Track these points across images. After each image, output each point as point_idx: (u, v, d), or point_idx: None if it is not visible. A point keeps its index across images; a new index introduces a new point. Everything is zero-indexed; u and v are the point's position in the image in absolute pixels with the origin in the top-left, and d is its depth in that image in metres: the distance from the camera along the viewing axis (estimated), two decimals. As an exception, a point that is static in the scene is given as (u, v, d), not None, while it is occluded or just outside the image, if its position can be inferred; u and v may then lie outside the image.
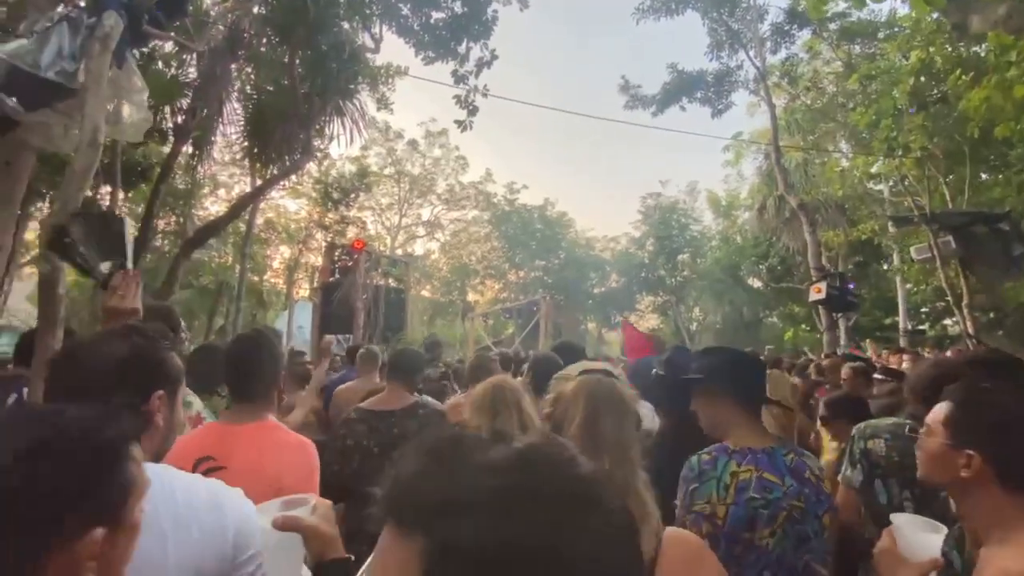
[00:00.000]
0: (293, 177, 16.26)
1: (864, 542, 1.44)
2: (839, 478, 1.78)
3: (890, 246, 10.92)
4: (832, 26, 9.81)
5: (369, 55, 8.30)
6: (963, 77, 5.25)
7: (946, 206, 8.25)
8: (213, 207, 17.83)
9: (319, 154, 14.37)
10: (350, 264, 11.12)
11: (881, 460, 1.65)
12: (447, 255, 27.82)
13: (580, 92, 62.13)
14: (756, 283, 21.54)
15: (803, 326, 16.06)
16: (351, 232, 21.15)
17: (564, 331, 24.77)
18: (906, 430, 1.63)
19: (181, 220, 13.24)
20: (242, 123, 8.56)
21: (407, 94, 39.96)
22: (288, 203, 21.12)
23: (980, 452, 0.95)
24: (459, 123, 5.46)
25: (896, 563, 1.00)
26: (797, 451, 1.45)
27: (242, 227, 13.12)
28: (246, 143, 8.70)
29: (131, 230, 2.18)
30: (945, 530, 1.07)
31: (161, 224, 12.51)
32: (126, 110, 3.39)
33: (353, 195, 20.11)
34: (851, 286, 10.02)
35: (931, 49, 5.99)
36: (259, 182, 9.74)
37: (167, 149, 8.80)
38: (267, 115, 8.01)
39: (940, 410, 1.07)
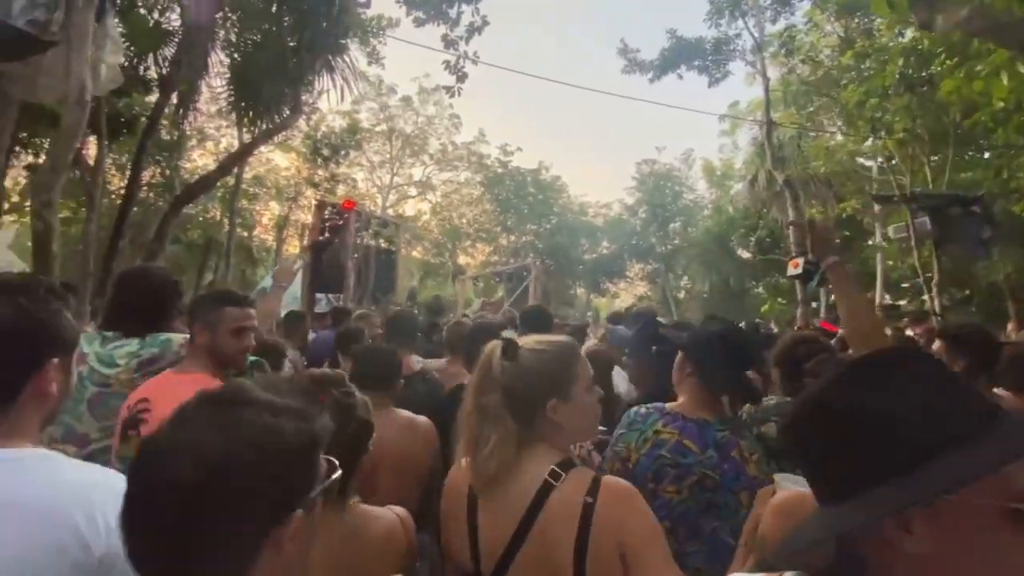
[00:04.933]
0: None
1: None
2: None
3: (872, 223, 11.11)
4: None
5: (360, 9, 8.09)
6: (947, 62, 5.30)
7: (928, 187, 8.39)
8: (201, 160, 17.54)
9: (307, 108, 14.10)
10: (340, 223, 11.10)
11: (773, 443, 1.59)
12: (438, 216, 27.66)
13: (579, 53, 60.18)
14: (745, 254, 21.75)
15: (779, 299, 16.42)
16: (341, 190, 20.94)
17: (553, 297, 25.07)
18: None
19: (168, 173, 13.06)
20: (228, 75, 8.38)
21: (399, 49, 38.55)
22: (277, 158, 20.73)
23: None
24: (447, 89, 5.44)
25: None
26: (738, 432, 1.51)
27: (231, 182, 12.97)
28: (232, 96, 8.55)
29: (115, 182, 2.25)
30: None
31: (147, 176, 12.33)
32: (104, 65, 3.37)
33: (343, 152, 19.79)
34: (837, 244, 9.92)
35: (919, 33, 5.99)
36: (247, 137, 9.61)
37: (151, 99, 8.63)
38: (253, 69, 7.85)
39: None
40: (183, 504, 0.55)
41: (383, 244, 12.66)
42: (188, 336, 1.73)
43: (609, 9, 61.49)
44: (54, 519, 0.73)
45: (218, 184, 12.53)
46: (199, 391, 0.64)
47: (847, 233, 14.46)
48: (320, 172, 20.60)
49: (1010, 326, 6.52)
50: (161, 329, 1.82)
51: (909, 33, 7.19)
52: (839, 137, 11.55)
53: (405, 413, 1.99)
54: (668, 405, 1.61)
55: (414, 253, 26.44)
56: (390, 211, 23.22)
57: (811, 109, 11.86)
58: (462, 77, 5.46)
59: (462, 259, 27.90)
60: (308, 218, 14.91)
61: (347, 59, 8.45)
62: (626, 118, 63.67)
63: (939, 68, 5.36)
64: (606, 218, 28.06)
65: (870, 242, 11.49)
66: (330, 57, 7.93)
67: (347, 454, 0.94)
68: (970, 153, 8.32)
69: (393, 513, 1.22)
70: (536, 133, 59.71)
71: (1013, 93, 3.94)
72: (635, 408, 1.64)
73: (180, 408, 0.62)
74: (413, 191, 26.32)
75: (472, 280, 21.48)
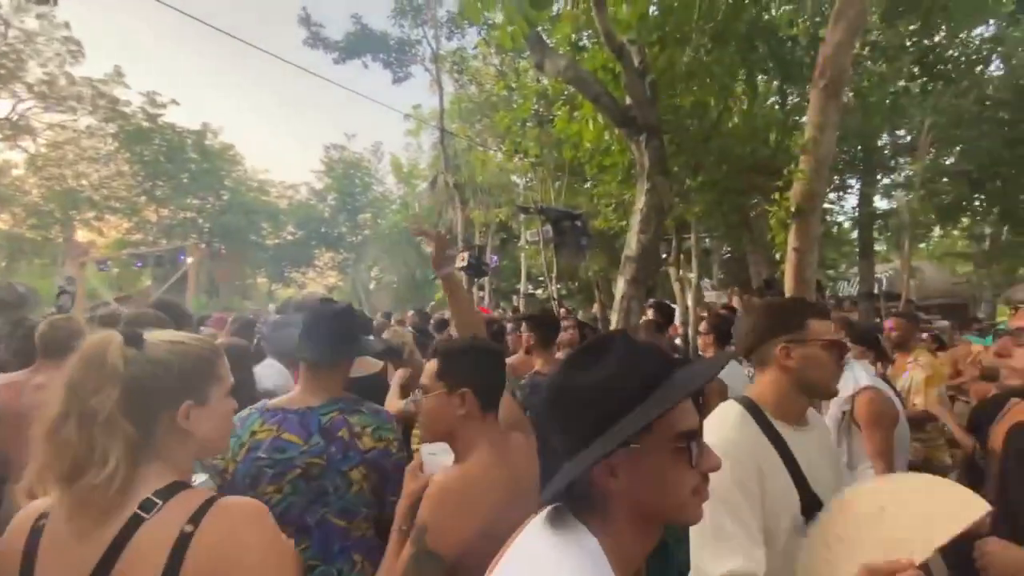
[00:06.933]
0: None
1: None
2: None
3: (519, 228, 13.80)
4: (495, 33, 11.40)
5: None
6: (562, 107, 6.99)
7: (552, 203, 10.95)
8: None
9: None
10: None
11: None
12: (41, 174, 19.85)
13: (247, 8, 53.00)
14: (428, 248, 23.72)
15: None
16: None
17: (224, 286, 21.58)
18: None
19: None
20: None
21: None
22: None
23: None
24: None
25: None
26: (348, 410, 1.48)
27: None
28: None
29: None
30: None
31: None
32: None
33: None
34: (495, 258, 11.76)
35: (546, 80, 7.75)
36: None
37: None
38: None
39: (429, 368, 1.34)
40: None
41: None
42: None
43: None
44: None
45: None
46: None
47: (504, 236, 17.58)
48: None
49: (595, 307, 9.15)
50: None
51: (544, 80, 9.13)
52: (500, 155, 13.86)
53: None
54: (275, 400, 1.50)
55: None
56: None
57: (478, 127, 13.81)
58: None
59: (84, 235, 20.86)
60: None
61: None
62: (310, 96, 59.68)
63: (557, 110, 7.04)
64: (291, 201, 25.91)
65: (518, 243, 14.22)
66: None
67: None
68: (578, 181, 11.19)
69: None
70: (199, 88, 49.74)
71: (596, 136, 5.44)
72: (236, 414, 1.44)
73: None
74: (-11, 131, 18.05)
75: (97, 264, 16.31)
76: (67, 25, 17.74)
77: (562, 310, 9.46)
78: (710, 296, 10.89)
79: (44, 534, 0.83)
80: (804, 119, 4.26)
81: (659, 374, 0.76)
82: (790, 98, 6.58)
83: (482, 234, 16.00)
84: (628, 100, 3.83)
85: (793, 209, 3.75)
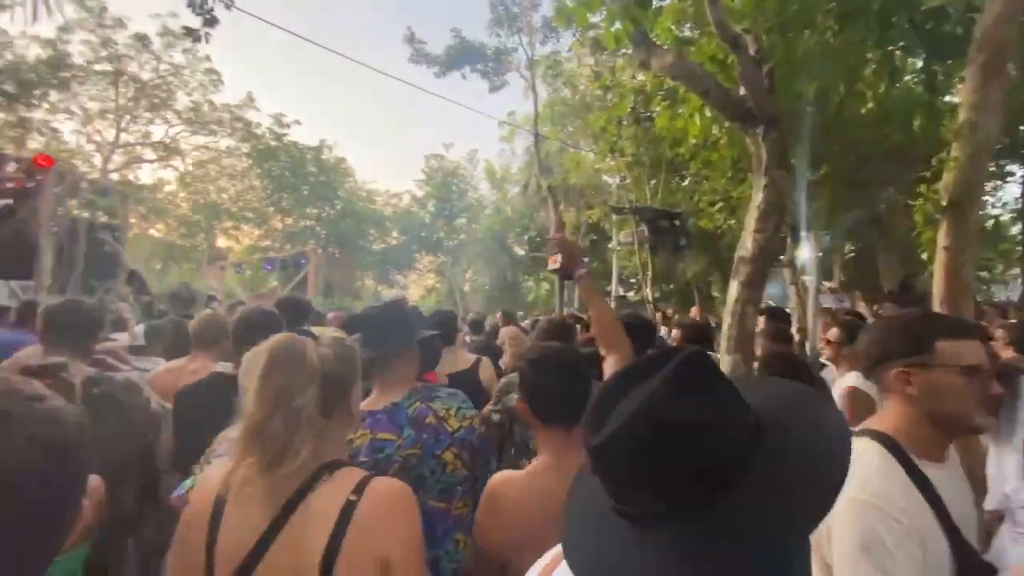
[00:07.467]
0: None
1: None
2: None
3: (611, 229, 13.54)
4: (590, 33, 11.30)
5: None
6: (662, 102, 6.75)
7: (648, 202, 10.59)
8: None
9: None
10: (30, 185, 8.26)
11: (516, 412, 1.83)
12: (188, 189, 23.06)
13: (363, 31, 57.32)
14: (519, 251, 24.03)
15: (545, 286, 18.78)
16: (35, 143, 15.67)
17: (337, 287, 23.57)
18: None
19: None
20: None
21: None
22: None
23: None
24: (190, 31, 4.45)
25: None
26: (427, 397, 1.54)
27: None
28: None
29: None
30: None
31: None
32: None
33: (40, 91, 14.78)
34: (585, 260, 11.77)
35: (643, 76, 7.53)
36: None
37: None
38: None
39: None
40: None
41: (102, 217, 9.94)
42: None
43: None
44: None
45: None
46: None
47: (594, 237, 17.37)
48: (1, 114, 15.05)
49: (694, 310, 8.69)
50: None
51: (640, 76, 8.88)
52: (591, 155, 13.71)
53: None
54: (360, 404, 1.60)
55: (153, 231, 21.56)
56: (114, 176, 18.29)
57: (571, 129, 13.76)
58: (210, 21, 4.53)
59: (223, 242, 23.94)
60: (-29, 173, 10.72)
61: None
62: (412, 109, 63.37)
63: (657, 107, 6.81)
64: (396, 208, 27.64)
65: (610, 245, 13.98)
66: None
67: None
68: (676, 179, 10.73)
69: None
70: (315, 109, 54.92)
71: (702, 132, 5.18)
72: None
73: None
74: (151, 154, 21.25)
75: (235, 268, 18.63)
76: (208, 58, 20.47)
77: (658, 314, 9.09)
78: (828, 301, 9.88)
79: (228, 499, 0.95)
80: (957, 100, 3.72)
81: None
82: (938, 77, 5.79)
83: (573, 236, 15.93)
84: (742, 91, 3.61)
85: (944, 202, 3.28)
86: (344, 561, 0.90)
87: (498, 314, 8.00)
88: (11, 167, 8.36)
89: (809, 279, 6.54)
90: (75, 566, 1.38)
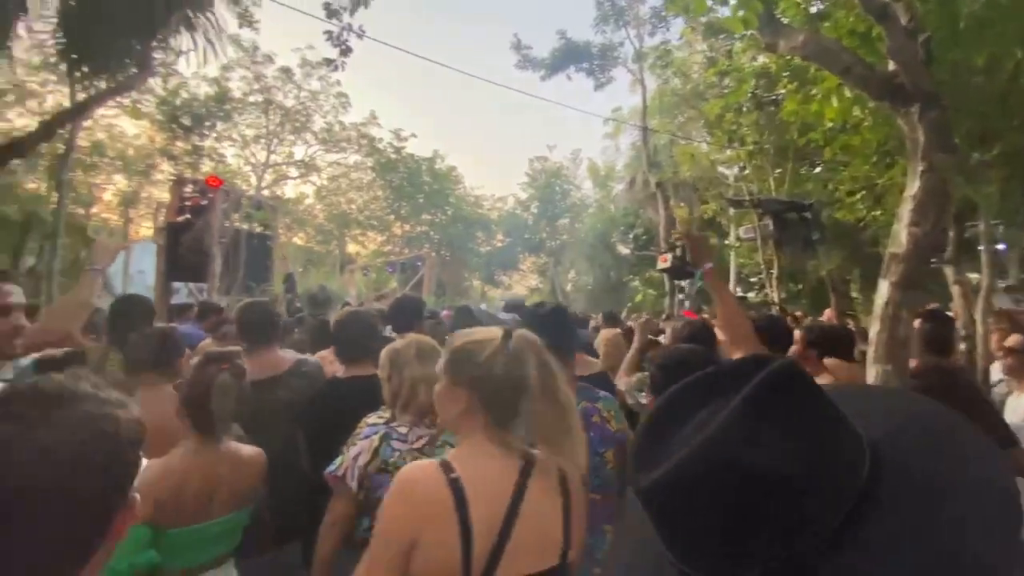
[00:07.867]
0: (133, 94, 13.74)
1: None
2: None
3: (728, 224, 12.61)
4: (702, 19, 10.67)
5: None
6: (789, 85, 6.15)
7: (772, 194, 9.70)
8: (19, 120, 14.43)
9: (162, 69, 12.24)
10: (204, 203, 9.88)
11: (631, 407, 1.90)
12: (324, 201, 25.87)
13: (467, 46, 59.88)
14: (624, 250, 23.42)
15: (650, 290, 18.03)
16: (207, 166, 18.66)
17: (448, 288, 24.90)
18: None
19: (-32, 131, 10.57)
20: (54, 19, 6.95)
21: (278, 14, 35.20)
22: (124, 124, 17.79)
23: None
24: (329, 61, 5.04)
25: None
26: (591, 397, 1.64)
27: (61, 149, 10.87)
28: (61, 43, 7.11)
29: None
30: None
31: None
32: None
33: (209, 123, 17.58)
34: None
35: (766, 58, 6.91)
36: (81, 96, 8.08)
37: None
38: (89, 14, 6.60)
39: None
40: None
41: (257, 228, 11.56)
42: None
43: (500, 5, 61.99)
44: None
45: (42, 150, 10.42)
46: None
47: (708, 232, 16.32)
48: (180, 144, 18.14)
49: (828, 312, 7.79)
50: None
51: (761, 58, 8.20)
52: (704, 146, 12.92)
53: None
54: None
55: (295, 239, 24.49)
56: (266, 192, 21.13)
57: (682, 120, 13.09)
58: (346, 51, 5.09)
59: (352, 248, 26.49)
60: (164, 195, 13.07)
61: (211, 17, 7.46)
62: (517, 113, 64.87)
63: (783, 90, 6.22)
64: (501, 212, 28.49)
65: (726, 241, 13.04)
66: (189, 12, 6.94)
67: None
68: (805, 167, 9.73)
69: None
70: (429, 121, 58.67)
71: (840, 115, 4.66)
72: None
73: None
74: (294, 172, 24.20)
75: (362, 271, 20.51)
76: (338, 82, 22.74)
77: (788, 317, 8.27)
78: (1002, 302, 8.24)
79: (467, 478, 1.04)
80: None
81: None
82: None
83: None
84: (890, 66, 3.18)
85: None
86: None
87: (599, 316, 7.89)
88: (189, 188, 10.11)
89: (980, 276, 5.56)
90: (237, 525, 1.66)
